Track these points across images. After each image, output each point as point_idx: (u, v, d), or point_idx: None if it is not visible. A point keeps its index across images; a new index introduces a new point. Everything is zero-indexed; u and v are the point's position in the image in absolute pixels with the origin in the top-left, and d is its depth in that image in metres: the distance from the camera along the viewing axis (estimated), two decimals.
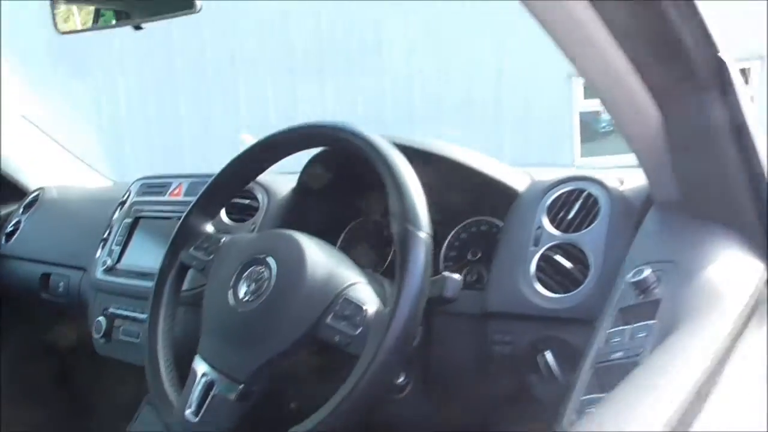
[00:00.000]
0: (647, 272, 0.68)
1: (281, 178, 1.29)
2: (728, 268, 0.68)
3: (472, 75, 7.11)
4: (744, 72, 8.37)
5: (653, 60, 0.71)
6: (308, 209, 1.24)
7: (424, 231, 0.80)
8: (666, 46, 0.69)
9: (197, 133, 7.17)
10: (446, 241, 1.15)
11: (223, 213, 1.26)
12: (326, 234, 1.11)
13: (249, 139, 1.15)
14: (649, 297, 0.67)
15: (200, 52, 7.35)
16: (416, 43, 6.93)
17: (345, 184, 1.19)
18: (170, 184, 1.44)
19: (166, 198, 1.41)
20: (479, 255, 1.10)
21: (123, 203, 1.50)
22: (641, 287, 0.68)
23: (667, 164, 0.81)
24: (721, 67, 0.72)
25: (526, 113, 7.23)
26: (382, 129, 0.92)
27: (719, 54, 0.72)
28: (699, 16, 0.68)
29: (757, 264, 0.71)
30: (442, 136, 1.11)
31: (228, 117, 7.12)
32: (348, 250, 1.21)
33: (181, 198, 1.38)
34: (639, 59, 0.70)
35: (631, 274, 0.70)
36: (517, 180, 1.04)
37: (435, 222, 1.16)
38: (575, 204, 0.94)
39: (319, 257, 0.87)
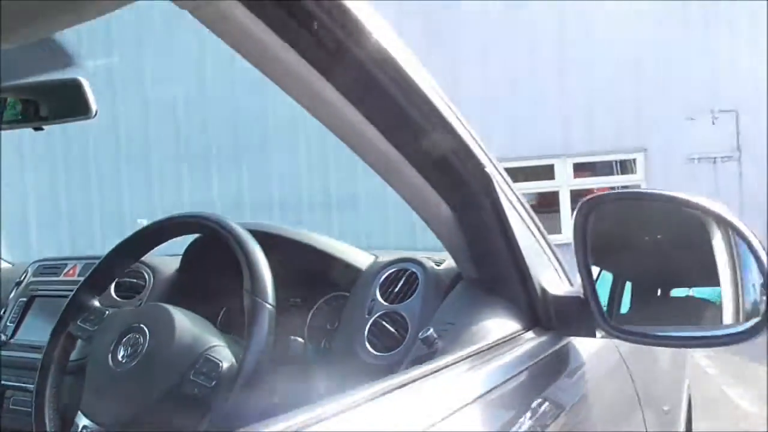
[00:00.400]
0: (430, 331, 0.90)
1: (167, 260, 1.46)
2: (489, 328, 0.91)
3: None
4: (632, 162, 9.16)
5: (438, 173, 0.96)
6: (190, 288, 1.41)
7: (268, 302, 0.99)
8: (443, 163, 0.94)
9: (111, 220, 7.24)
10: (310, 314, 1.35)
11: (112, 290, 1.41)
12: (208, 309, 1.28)
13: (144, 224, 1.32)
14: (432, 349, 0.89)
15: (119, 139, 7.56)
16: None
17: (223, 265, 1.38)
18: (66, 265, 1.58)
19: (61, 278, 1.56)
20: (336, 324, 1.30)
21: (19, 283, 1.63)
22: (427, 343, 0.90)
23: (464, 249, 1.05)
24: (487, 179, 0.97)
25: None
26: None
27: (485, 169, 0.97)
28: (465, 145, 0.93)
29: (516, 324, 0.95)
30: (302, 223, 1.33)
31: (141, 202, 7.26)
32: (229, 323, 1.38)
33: (75, 278, 1.53)
34: (426, 172, 0.95)
35: (421, 333, 0.92)
36: (362, 260, 1.27)
37: (300, 297, 1.36)
38: (400, 281, 1.16)
39: (187, 324, 1.04)
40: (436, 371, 0.71)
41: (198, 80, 7.53)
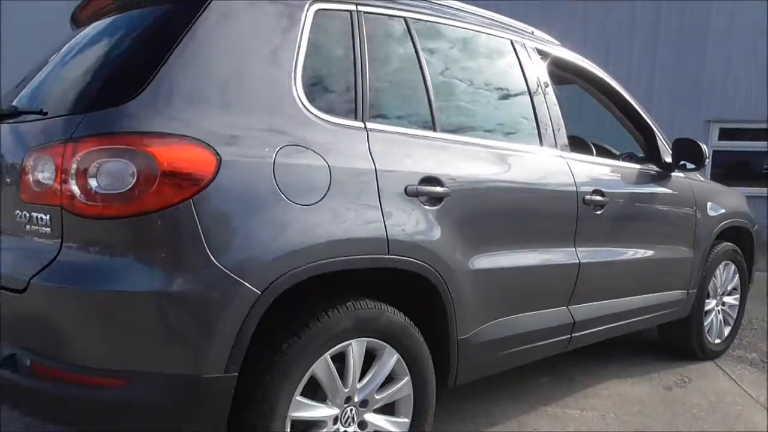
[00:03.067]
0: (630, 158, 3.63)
1: None
2: (649, 167, 3.63)
3: None
4: None
5: (633, 122, 3.65)
6: None
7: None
8: (635, 118, 3.63)
9: None
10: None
11: None
12: None
13: None
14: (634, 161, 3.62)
15: None
16: None
17: None
18: None
19: None
20: None
21: None
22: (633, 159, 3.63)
23: (645, 147, 3.74)
24: (647, 125, 3.65)
25: None
26: None
27: (646, 121, 3.64)
28: (638, 112, 3.62)
29: (658, 168, 3.63)
30: None
31: None
32: None
33: None
34: (630, 119, 3.65)
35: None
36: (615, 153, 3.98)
37: None
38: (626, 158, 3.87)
39: None
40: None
41: None
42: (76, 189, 1.72)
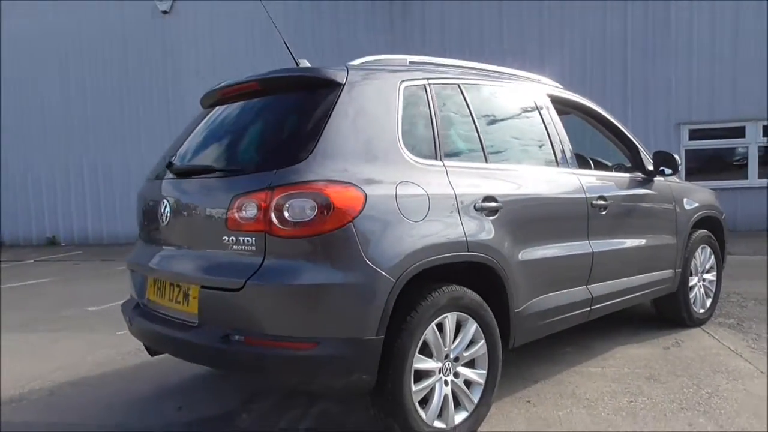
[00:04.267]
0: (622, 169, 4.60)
1: None
2: (635, 174, 4.59)
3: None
4: None
5: (622, 141, 4.61)
6: None
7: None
8: (623, 139, 4.60)
9: None
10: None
11: None
12: None
13: None
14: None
15: None
16: None
17: None
18: None
19: None
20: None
21: None
22: (621, 169, 4.59)
23: (632, 161, 4.72)
24: (634, 145, 4.61)
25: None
26: None
27: (633, 141, 4.61)
28: (626, 135, 4.60)
29: (643, 174, 4.60)
30: None
31: None
32: None
33: None
34: (620, 140, 4.61)
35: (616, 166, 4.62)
36: (608, 164, 4.95)
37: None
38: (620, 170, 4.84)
39: None
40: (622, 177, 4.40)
41: None
42: (275, 220, 2.61)
